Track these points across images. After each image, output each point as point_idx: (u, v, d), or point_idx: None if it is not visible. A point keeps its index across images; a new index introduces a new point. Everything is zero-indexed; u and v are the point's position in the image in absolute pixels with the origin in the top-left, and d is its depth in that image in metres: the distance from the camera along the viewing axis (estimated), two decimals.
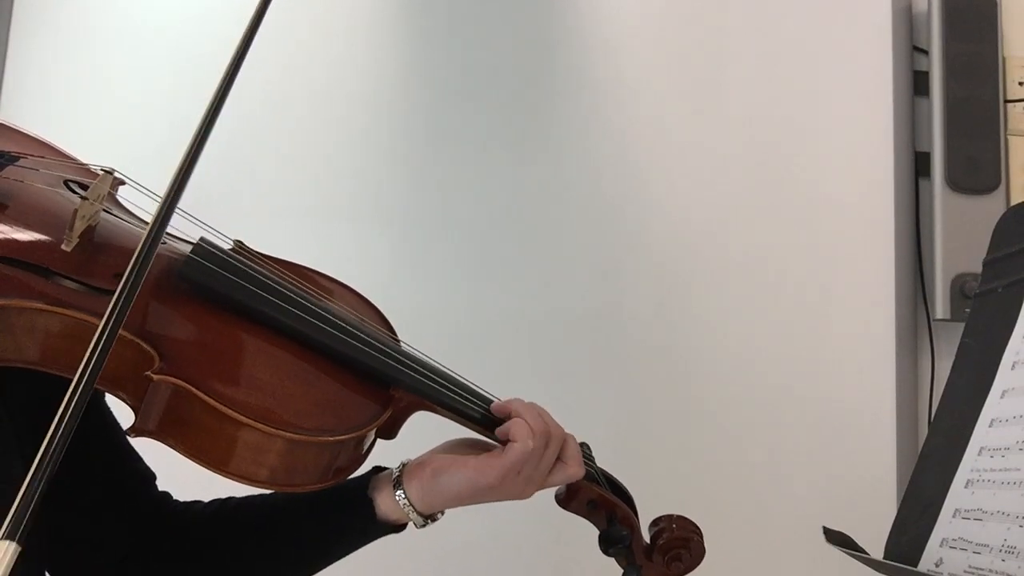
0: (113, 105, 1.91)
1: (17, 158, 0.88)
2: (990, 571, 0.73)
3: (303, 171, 1.93)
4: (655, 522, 1.01)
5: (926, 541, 0.81)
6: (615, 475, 1.03)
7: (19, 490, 0.58)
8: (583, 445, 0.99)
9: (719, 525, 1.01)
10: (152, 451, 0.92)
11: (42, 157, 0.92)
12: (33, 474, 0.58)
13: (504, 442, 0.91)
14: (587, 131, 1.95)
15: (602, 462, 1.03)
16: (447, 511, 0.94)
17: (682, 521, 1.00)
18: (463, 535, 1.03)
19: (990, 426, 0.81)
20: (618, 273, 1.91)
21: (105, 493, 0.96)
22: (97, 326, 0.74)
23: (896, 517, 0.87)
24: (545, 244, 1.92)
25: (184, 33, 1.94)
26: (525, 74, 1.97)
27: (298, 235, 1.85)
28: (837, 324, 1.90)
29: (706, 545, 1.00)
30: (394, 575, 1.62)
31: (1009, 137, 1.92)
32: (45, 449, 0.59)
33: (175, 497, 1.04)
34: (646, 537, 1.01)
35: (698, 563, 1.00)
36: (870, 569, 0.82)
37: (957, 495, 0.81)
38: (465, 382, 0.95)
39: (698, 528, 1.00)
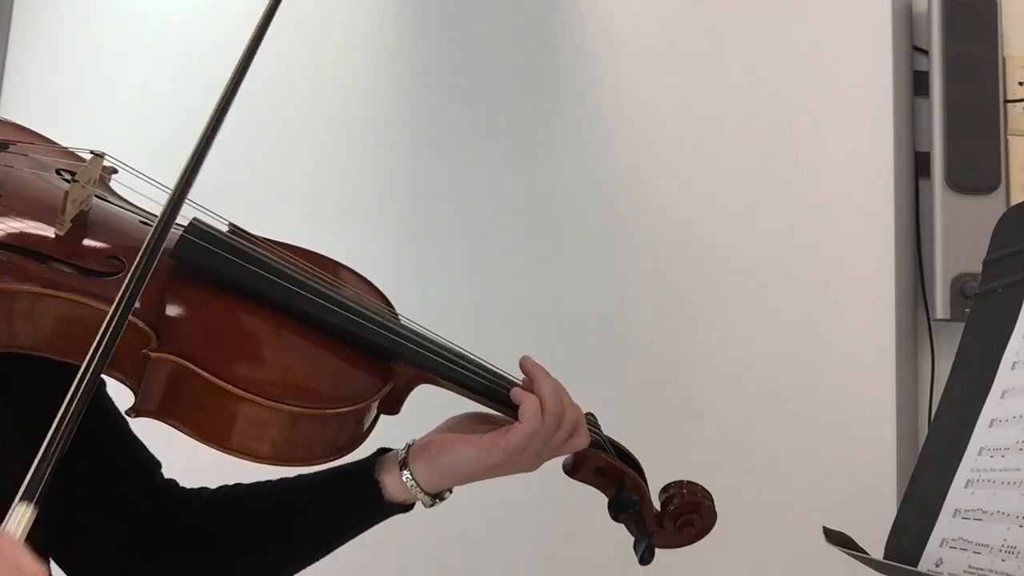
0: (113, 104, 1.92)
1: (6, 145, 0.88)
2: (990, 571, 0.73)
3: (303, 171, 1.93)
4: (665, 488, 1.01)
5: (926, 541, 0.81)
6: None
7: (26, 467, 0.58)
8: (589, 415, 0.99)
9: (719, 524, 1.01)
10: (157, 439, 0.92)
11: (32, 144, 0.92)
12: (48, 442, 0.59)
13: (513, 408, 0.91)
14: (587, 130, 1.95)
15: None
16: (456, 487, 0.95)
17: (693, 487, 1.00)
18: (470, 502, 1.04)
19: (990, 426, 0.81)
20: (618, 273, 1.91)
21: (109, 482, 0.96)
22: (91, 307, 0.76)
23: (896, 517, 0.87)
24: (546, 244, 1.92)
25: (184, 32, 1.94)
26: (526, 74, 1.97)
27: (298, 236, 1.84)
28: (837, 324, 1.90)
29: (706, 544, 1.00)
30: (398, 545, 1.63)
31: (1009, 137, 1.92)
32: (56, 427, 0.59)
33: (181, 485, 1.03)
34: (656, 504, 1.00)
35: (710, 528, 1.00)
36: (870, 569, 0.82)
37: (957, 495, 0.81)
38: (467, 354, 0.95)
39: (709, 493, 1.00)
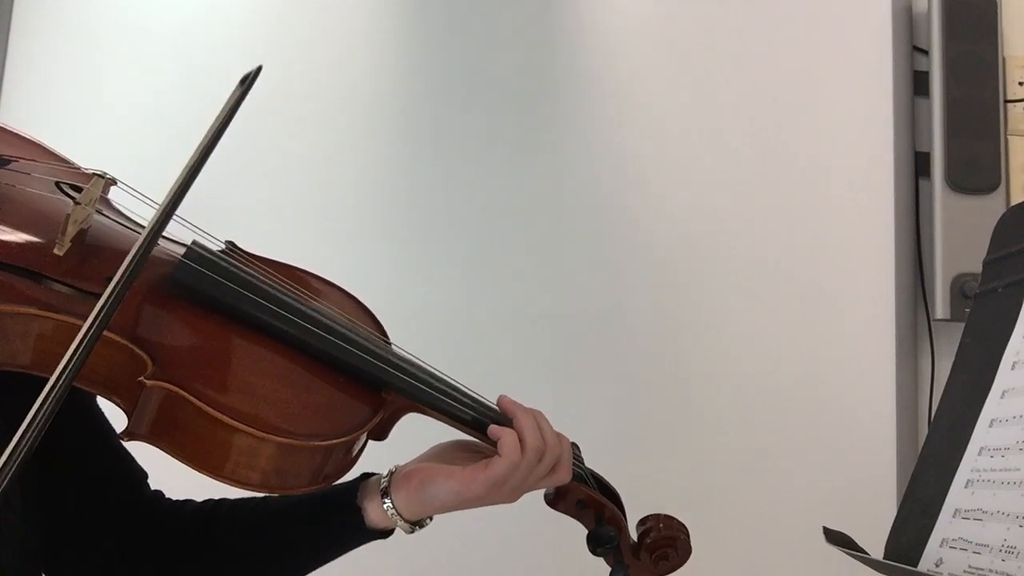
0: (113, 106, 1.91)
1: (8, 161, 0.88)
2: (990, 571, 0.73)
3: (303, 173, 1.93)
4: (642, 521, 1.02)
5: (926, 541, 0.81)
6: (615, 475, 1.03)
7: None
8: (572, 446, 0.99)
9: (719, 525, 1.02)
10: (145, 450, 0.92)
11: (34, 160, 0.91)
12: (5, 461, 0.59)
13: (494, 443, 0.91)
14: (588, 132, 1.95)
15: (600, 462, 1.03)
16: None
17: (669, 520, 1.02)
18: (451, 534, 1.04)
19: (990, 426, 0.81)
20: (618, 274, 1.91)
21: (97, 494, 0.96)
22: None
23: (896, 517, 0.87)
24: (546, 244, 1.92)
25: (184, 33, 1.94)
26: (526, 74, 1.97)
27: (299, 237, 1.85)
28: (837, 324, 1.90)
29: (706, 545, 1.01)
30: (385, 572, 1.63)
31: (1009, 137, 1.92)
32: (17, 441, 0.60)
33: (167, 496, 1.04)
34: (634, 536, 1.02)
35: (684, 562, 1.01)
36: (870, 569, 0.82)
37: (957, 495, 0.81)
38: (457, 385, 0.95)
39: (685, 527, 1.02)
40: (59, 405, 0.64)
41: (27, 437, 0.61)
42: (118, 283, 0.71)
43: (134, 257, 0.73)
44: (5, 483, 0.59)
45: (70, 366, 0.66)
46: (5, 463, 0.60)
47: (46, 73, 1.93)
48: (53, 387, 0.64)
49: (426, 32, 2.00)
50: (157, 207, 0.77)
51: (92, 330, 0.68)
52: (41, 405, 0.63)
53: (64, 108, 1.92)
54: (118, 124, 1.89)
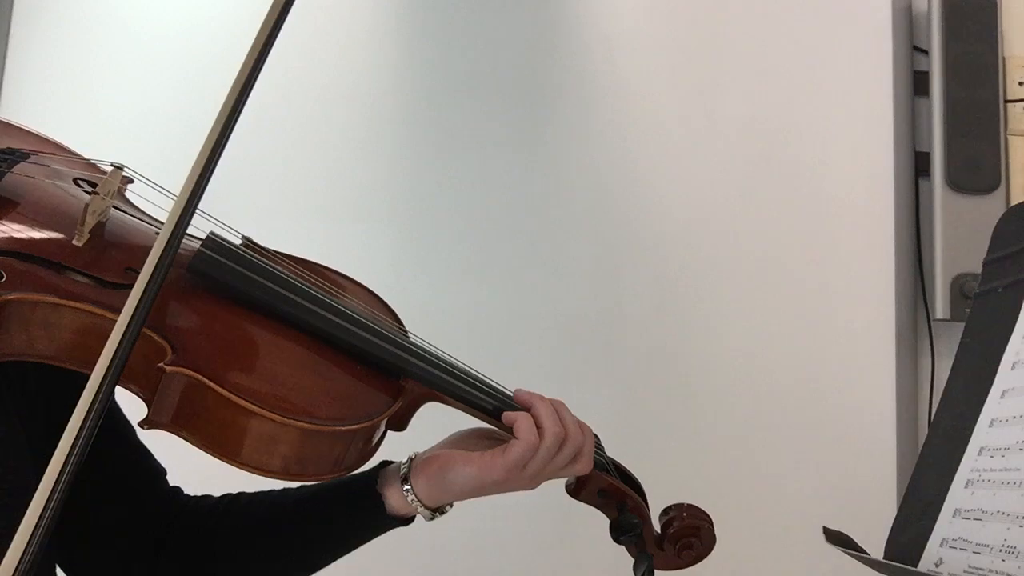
0: (113, 105, 1.92)
1: (28, 155, 0.89)
2: (990, 571, 0.73)
3: (307, 172, 1.93)
4: (666, 511, 1.02)
5: (926, 541, 0.81)
6: None
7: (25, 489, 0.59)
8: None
9: (719, 525, 1.01)
10: (163, 446, 0.92)
11: (52, 154, 0.93)
12: (54, 484, 0.60)
13: (511, 430, 0.92)
14: (588, 131, 1.95)
15: None
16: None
17: (693, 510, 1.01)
18: (474, 520, 1.04)
19: (990, 426, 0.81)
20: (619, 273, 1.92)
21: (116, 489, 0.97)
22: (108, 318, 0.77)
23: (896, 517, 0.87)
24: (547, 244, 1.92)
25: (184, 32, 1.94)
26: (527, 74, 1.97)
27: (301, 235, 1.84)
28: (837, 324, 1.90)
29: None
30: (402, 566, 1.63)
31: (1009, 137, 1.92)
32: (71, 448, 0.61)
33: (185, 492, 1.04)
34: (657, 526, 1.01)
35: (709, 551, 1.00)
36: (870, 569, 0.82)
37: (957, 495, 0.81)
38: (475, 373, 0.96)
39: (709, 516, 1.01)
40: (107, 404, 0.65)
41: (80, 441, 0.62)
42: (150, 274, 0.72)
43: (166, 238, 0.74)
44: (65, 479, 0.60)
45: (112, 365, 0.67)
46: (63, 467, 0.62)
47: (46, 72, 1.93)
48: (99, 388, 0.65)
49: (427, 33, 2.01)
50: (198, 156, 0.77)
51: (131, 325, 0.69)
52: (90, 407, 0.64)
53: (64, 107, 1.92)
54: (119, 123, 1.89)
